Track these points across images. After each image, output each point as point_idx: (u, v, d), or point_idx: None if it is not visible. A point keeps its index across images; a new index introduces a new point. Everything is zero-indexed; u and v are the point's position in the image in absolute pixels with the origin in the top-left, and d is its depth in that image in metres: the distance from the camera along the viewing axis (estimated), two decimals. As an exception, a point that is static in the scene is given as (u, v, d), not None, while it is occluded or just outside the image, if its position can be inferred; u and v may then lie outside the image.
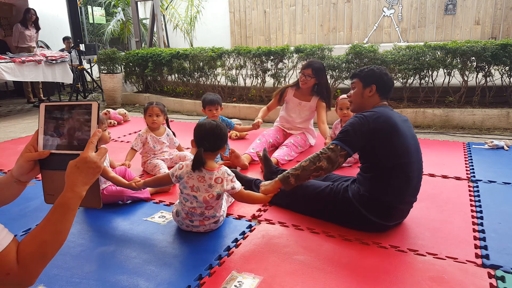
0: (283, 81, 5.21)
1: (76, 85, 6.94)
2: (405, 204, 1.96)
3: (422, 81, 4.56)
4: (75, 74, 7.04)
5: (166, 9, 10.65)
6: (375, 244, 1.87)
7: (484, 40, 5.46)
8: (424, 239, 1.91)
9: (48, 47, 8.28)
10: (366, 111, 1.98)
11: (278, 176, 2.06)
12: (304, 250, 1.83)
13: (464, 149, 3.41)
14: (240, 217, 2.19)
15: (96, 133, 1.00)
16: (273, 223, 2.12)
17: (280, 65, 5.18)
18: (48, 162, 1.03)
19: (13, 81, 6.42)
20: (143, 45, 8.00)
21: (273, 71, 5.22)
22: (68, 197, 0.93)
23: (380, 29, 9.50)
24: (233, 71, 5.50)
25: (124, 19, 10.90)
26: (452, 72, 4.48)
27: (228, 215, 2.21)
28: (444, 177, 2.77)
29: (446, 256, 1.75)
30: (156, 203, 2.43)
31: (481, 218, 2.11)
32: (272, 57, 5.17)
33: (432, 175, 2.79)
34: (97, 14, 10.54)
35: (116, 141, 4.10)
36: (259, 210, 2.28)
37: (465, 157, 3.19)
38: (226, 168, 1.97)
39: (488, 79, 4.38)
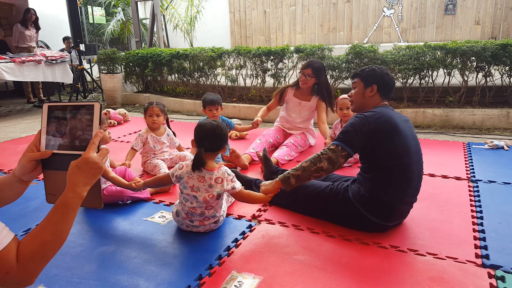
0: (283, 81, 5.21)
1: (76, 85, 6.95)
2: (405, 204, 1.96)
3: (422, 81, 4.56)
4: (75, 74, 7.04)
5: (166, 9, 10.65)
6: (375, 244, 1.87)
7: (484, 40, 5.47)
8: (424, 239, 1.91)
9: (48, 47, 8.28)
10: (367, 111, 1.98)
11: (279, 176, 2.06)
12: (304, 250, 1.83)
13: (464, 149, 3.41)
14: (240, 217, 2.20)
15: (98, 133, 1.00)
16: (273, 223, 2.12)
17: (280, 65, 5.18)
18: (50, 162, 1.04)
19: (13, 81, 6.42)
20: (143, 45, 8.00)
21: (273, 71, 5.22)
22: (69, 197, 0.93)
23: (380, 29, 9.50)
24: (233, 71, 5.50)
25: (124, 19, 10.90)
26: (452, 72, 4.48)
27: (228, 215, 2.21)
28: (444, 177, 2.77)
29: (446, 256, 1.75)
30: (156, 203, 2.43)
31: (481, 218, 2.11)
32: (272, 57, 5.17)
33: (432, 175, 2.79)
34: (97, 14, 10.55)
35: (116, 141, 4.10)
36: (259, 210, 2.28)
37: (465, 157, 3.19)
38: (226, 168, 1.97)
39: (488, 79, 4.38)
